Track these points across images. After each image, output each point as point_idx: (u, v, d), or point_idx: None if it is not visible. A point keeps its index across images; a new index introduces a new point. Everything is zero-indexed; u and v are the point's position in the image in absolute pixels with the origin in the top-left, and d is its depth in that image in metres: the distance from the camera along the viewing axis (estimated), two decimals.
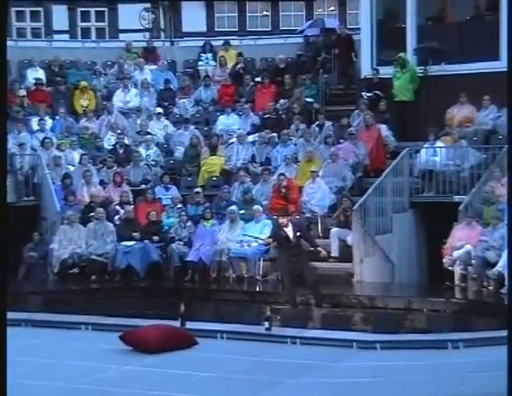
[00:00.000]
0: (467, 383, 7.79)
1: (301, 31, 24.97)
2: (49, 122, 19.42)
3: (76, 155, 18.41)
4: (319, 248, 13.69)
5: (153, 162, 18.48)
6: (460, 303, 13.38)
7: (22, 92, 20.02)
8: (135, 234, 16.08)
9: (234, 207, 16.18)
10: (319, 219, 16.24)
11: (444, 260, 14.51)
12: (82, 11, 29.65)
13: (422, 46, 18.58)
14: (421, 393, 7.81)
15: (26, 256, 16.30)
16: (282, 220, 13.38)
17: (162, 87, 20.93)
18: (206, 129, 19.85)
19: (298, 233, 13.30)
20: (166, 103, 20.57)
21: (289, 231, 13.27)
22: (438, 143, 16.63)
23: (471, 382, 7.73)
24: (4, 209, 9.20)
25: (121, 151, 18.64)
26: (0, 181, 9.71)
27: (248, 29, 30.33)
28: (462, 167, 16.01)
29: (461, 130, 16.90)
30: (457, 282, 14.23)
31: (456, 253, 14.29)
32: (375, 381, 8.19)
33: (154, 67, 21.58)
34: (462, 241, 14.34)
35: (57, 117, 19.68)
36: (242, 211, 16.21)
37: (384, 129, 17.89)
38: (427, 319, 13.19)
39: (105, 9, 29.61)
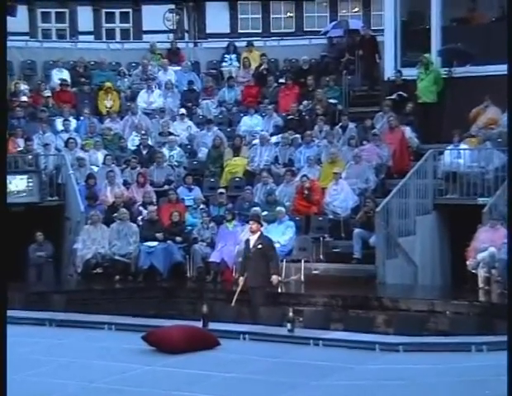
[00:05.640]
0: (491, 386, 7.74)
1: (325, 32, 24.91)
2: (73, 123, 19.55)
3: (100, 156, 18.51)
4: (275, 275, 12.75)
5: (176, 163, 18.54)
6: (483, 306, 13.31)
7: (47, 93, 20.18)
8: (158, 235, 16.14)
9: (257, 208, 16.18)
10: (341, 221, 16.22)
11: (468, 262, 14.45)
12: (106, 13, 29.74)
13: (447, 48, 18.50)
14: None
15: (32, 257, 16.41)
16: (252, 225, 12.86)
17: (185, 88, 21.00)
18: (229, 130, 19.89)
19: (260, 246, 12.66)
20: (189, 104, 20.64)
21: (253, 239, 12.72)
22: (463, 145, 16.55)
23: (495, 385, 7.67)
24: (4, 210, 9.28)
25: (145, 152, 18.72)
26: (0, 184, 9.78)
27: (271, 30, 30.25)
28: (487, 169, 15.93)
29: (485, 132, 16.81)
30: (480, 285, 14.16)
31: (480, 256, 14.22)
32: (398, 384, 8.15)
33: (177, 68, 21.66)
34: (486, 243, 14.26)
35: (81, 118, 19.80)
36: (265, 212, 16.21)
37: (408, 131, 17.84)
38: (450, 322, 13.13)
39: (129, 10, 29.69)
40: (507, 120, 15.55)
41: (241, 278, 12.84)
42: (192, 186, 17.70)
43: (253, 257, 12.74)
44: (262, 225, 13.24)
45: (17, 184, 17.09)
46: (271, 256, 12.84)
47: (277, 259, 13.27)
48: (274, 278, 12.76)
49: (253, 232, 12.83)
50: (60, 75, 21.00)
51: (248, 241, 12.94)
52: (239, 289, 12.73)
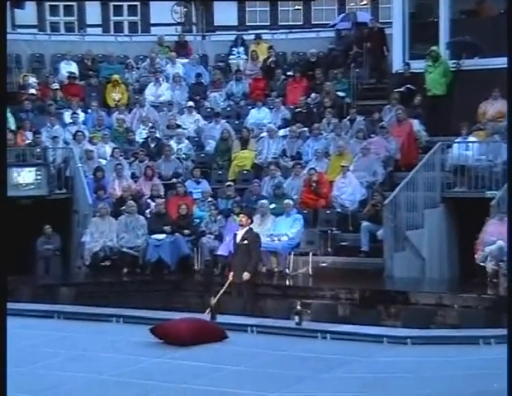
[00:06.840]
0: (499, 379, 7.73)
1: (333, 25, 24.90)
2: (81, 115, 19.57)
3: (108, 149, 18.54)
4: (246, 272, 12.55)
5: (184, 156, 18.55)
6: (492, 299, 13.29)
7: (55, 86, 20.20)
8: (165, 228, 16.16)
9: (264, 201, 16.18)
10: (349, 214, 16.21)
11: (476, 255, 14.42)
12: (114, 6, 29.83)
13: (455, 40, 18.44)
14: (452, 389, 7.77)
15: (40, 250, 16.46)
16: (242, 218, 12.79)
17: (193, 81, 21.00)
18: (237, 123, 19.88)
19: (245, 241, 12.58)
20: (197, 97, 20.64)
21: (240, 233, 12.69)
22: (471, 138, 16.51)
23: (503, 378, 7.67)
24: (4, 206, 9.30)
25: (153, 145, 18.74)
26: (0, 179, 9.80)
27: (279, 23, 30.30)
28: (495, 162, 15.88)
29: (494, 125, 16.77)
30: (488, 278, 14.14)
31: (488, 249, 14.19)
32: (405, 377, 8.16)
33: (185, 61, 21.65)
34: (494, 236, 14.23)
35: (89, 111, 19.82)
36: (273, 205, 16.21)
37: (416, 124, 17.81)
38: (458, 315, 13.12)
39: (137, 3, 29.76)
40: (507, 114, 15.51)
41: (231, 273, 12.86)
42: (200, 179, 17.70)
43: (239, 252, 12.70)
44: (252, 221, 13.14)
45: (26, 177, 17.13)
46: (250, 252, 12.67)
47: (256, 256, 13.03)
48: (245, 274, 12.61)
49: (241, 225, 12.77)
50: (68, 68, 21.02)
51: (235, 235, 12.91)
52: (227, 283, 12.69)
